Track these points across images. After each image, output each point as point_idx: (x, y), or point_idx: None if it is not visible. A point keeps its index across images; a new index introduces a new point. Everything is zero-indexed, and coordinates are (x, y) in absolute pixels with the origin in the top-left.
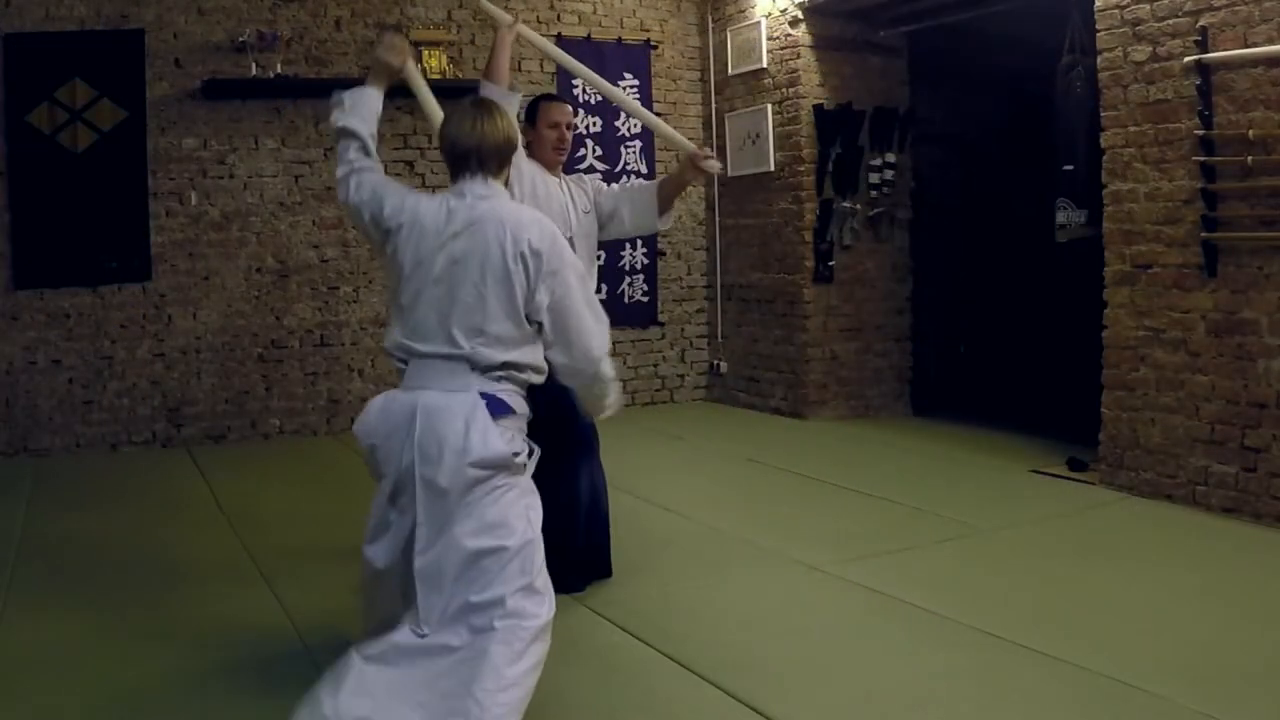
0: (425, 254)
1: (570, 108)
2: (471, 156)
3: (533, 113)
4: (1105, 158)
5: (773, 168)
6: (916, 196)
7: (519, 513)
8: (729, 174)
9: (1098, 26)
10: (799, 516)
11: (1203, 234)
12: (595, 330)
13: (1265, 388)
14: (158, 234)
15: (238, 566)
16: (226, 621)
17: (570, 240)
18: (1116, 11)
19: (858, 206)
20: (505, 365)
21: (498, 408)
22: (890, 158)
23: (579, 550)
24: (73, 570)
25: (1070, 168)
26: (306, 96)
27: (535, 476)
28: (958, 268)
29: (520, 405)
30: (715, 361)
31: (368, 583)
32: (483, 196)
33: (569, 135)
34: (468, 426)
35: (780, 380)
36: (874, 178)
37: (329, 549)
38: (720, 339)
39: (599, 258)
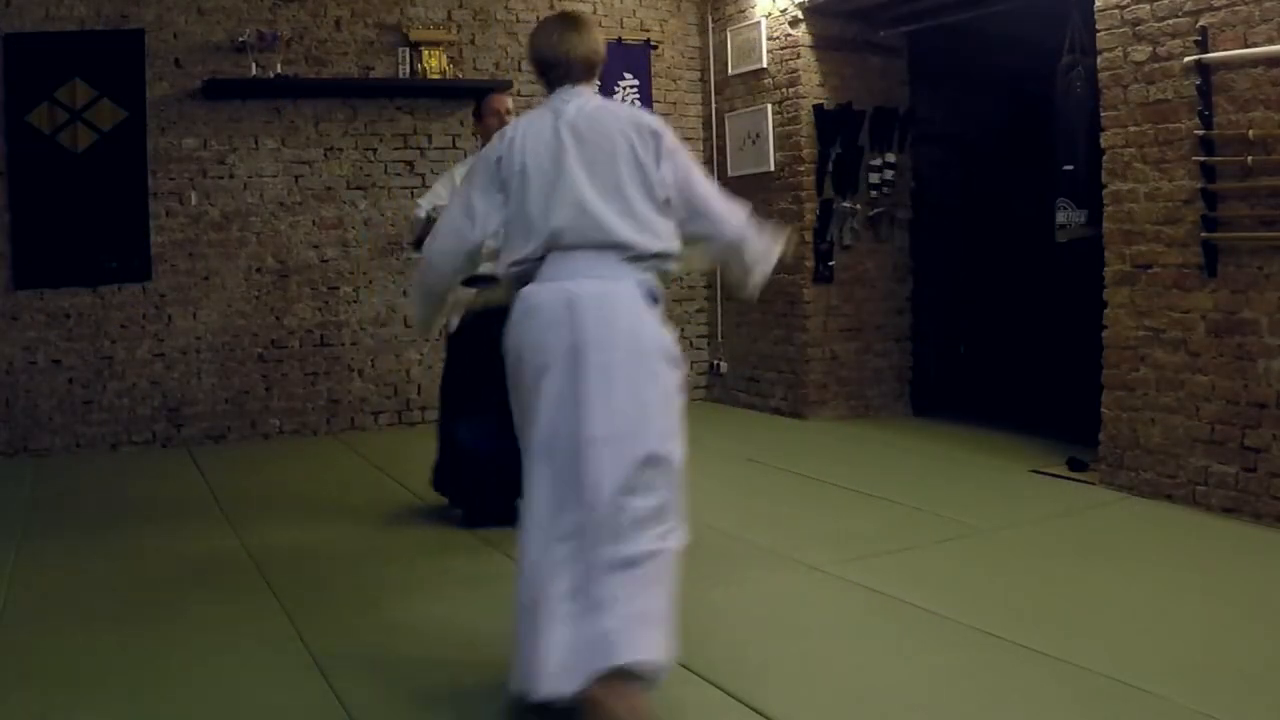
0: (546, 161)
1: (508, 99)
2: (560, 67)
3: (480, 108)
4: (1105, 158)
5: (773, 168)
6: (916, 196)
7: (678, 424)
8: (729, 174)
9: (1098, 26)
10: (799, 516)
11: (1203, 234)
12: (723, 197)
13: (1265, 388)
14: (158, 234)
15: (238, 567)
16: (226, 622)
17: None
18: (1116, 11)
19: (858, 206)
20: (656, 255)
21: (652, 298)
22: (890, 158)
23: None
24: (72, 571)
25: (1070, 168)
26: (306, 96)
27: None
28: (958, 268)
29: (661, 297)
30: (715, 361)
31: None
32: (582, 96)
33: (509, 119)
34: (638, 314)
35: (780, 380)
36: (874, 178)
37: (329, 549)
38: (720, 339)
39: None
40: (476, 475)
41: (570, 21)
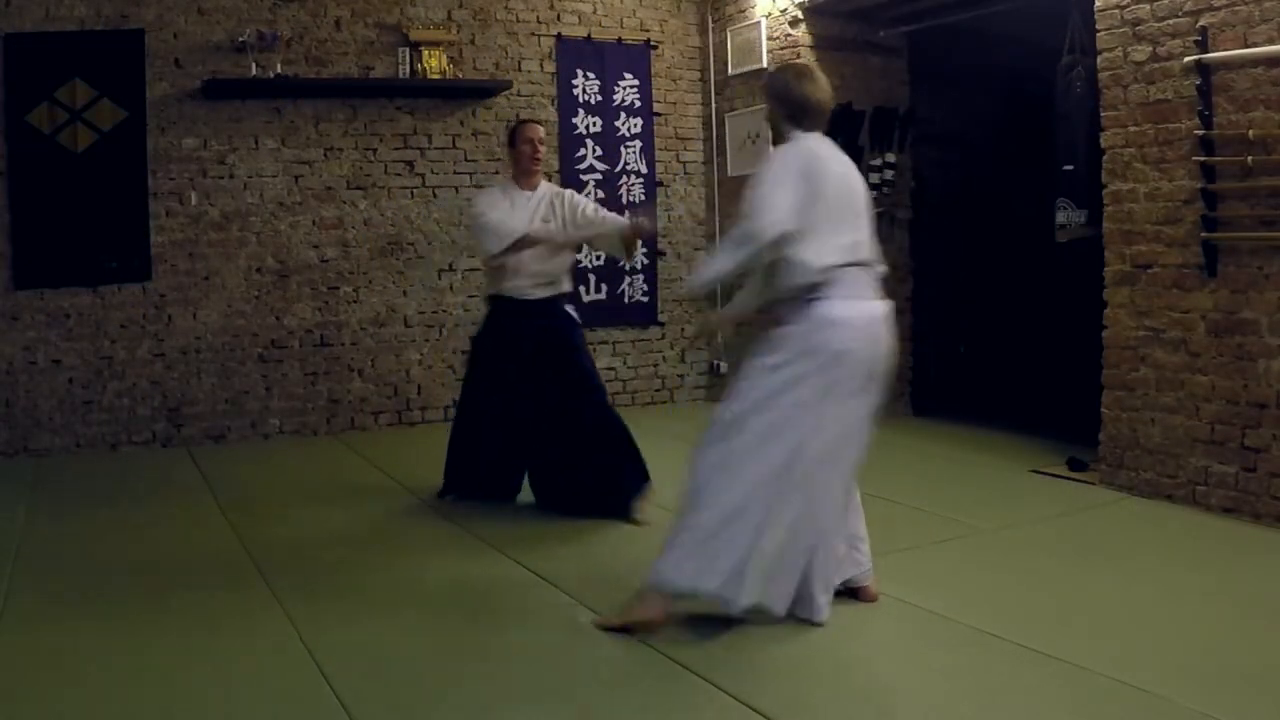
0: (839, 188)
1: (540, 128)
2: (821, 115)
3: (513, 135)
4: (1105, 158)
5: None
6: (916, 196)
7: None
8: (729, 174)
9: (1098, 26)
10: None
11: (1203, 234)
12: None
13: (1265, 388)
14: (158, 234)
15: (238, 567)
16: (227, 621)
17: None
18: (1116, 11)
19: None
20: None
21: None
22: (890, 158)
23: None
24: (72, 571)
25: (1070, 168)
26: (306, 96)
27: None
28: (958, 268)
29: None
30: (715, 361)
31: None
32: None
33: (542, 151)
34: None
35: None
36: (874, 178)
37: (329, 548)
38: (720, 339)
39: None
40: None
41: (815, 73)
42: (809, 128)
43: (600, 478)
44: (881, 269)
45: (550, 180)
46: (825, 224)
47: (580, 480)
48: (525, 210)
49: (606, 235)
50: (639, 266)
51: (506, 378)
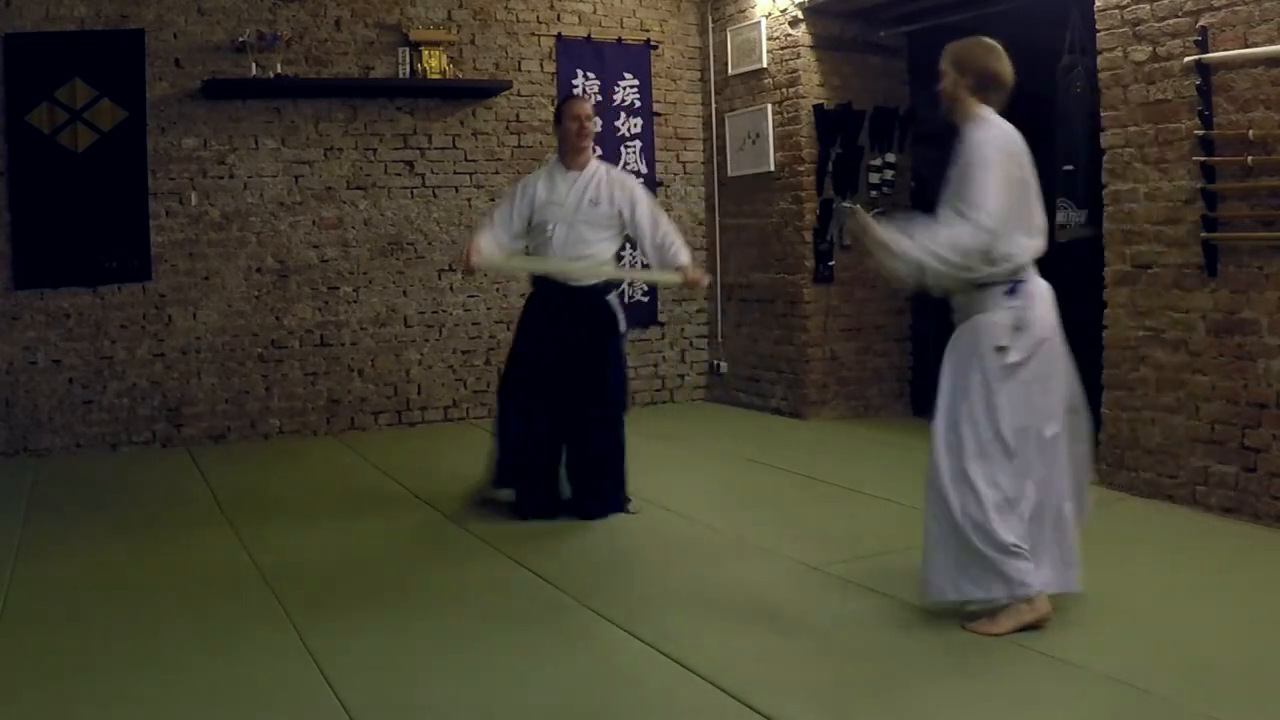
0: (1029, 167)
1: (589, 105)
2: (1005, 92)
3: (559, 112)
4: (1105, 158)
5: (773, 168)
6: (916, 196)
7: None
8: (729, 173)
9: (1098, 26)
10: (799, 516)
11: (1203, 234)
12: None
13: (1265, 388)
14: (158, 234)
15: (238, 567)
16: (226, 620)
17: (555, 225)
18: (1116, 11)
19: (858, 206)
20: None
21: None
22: (890, 158)
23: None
24: (72, 571)
25: (1070, 168)
26: (306, 96)
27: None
28: None
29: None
30: (715, 361)
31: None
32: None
33: (589, 126)
34: None
35: (780, 380)
36: (874, 178)
37: (329, 549)
38: (720, 339)
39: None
40: (532, 467)
41: (1002, 51)
42: (992, 103)
43: (580, 484)
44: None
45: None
46: (1026, 207)
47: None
48: (569, 191)
49: (657, 269)
50: (639, 267)
51: (543, 368)
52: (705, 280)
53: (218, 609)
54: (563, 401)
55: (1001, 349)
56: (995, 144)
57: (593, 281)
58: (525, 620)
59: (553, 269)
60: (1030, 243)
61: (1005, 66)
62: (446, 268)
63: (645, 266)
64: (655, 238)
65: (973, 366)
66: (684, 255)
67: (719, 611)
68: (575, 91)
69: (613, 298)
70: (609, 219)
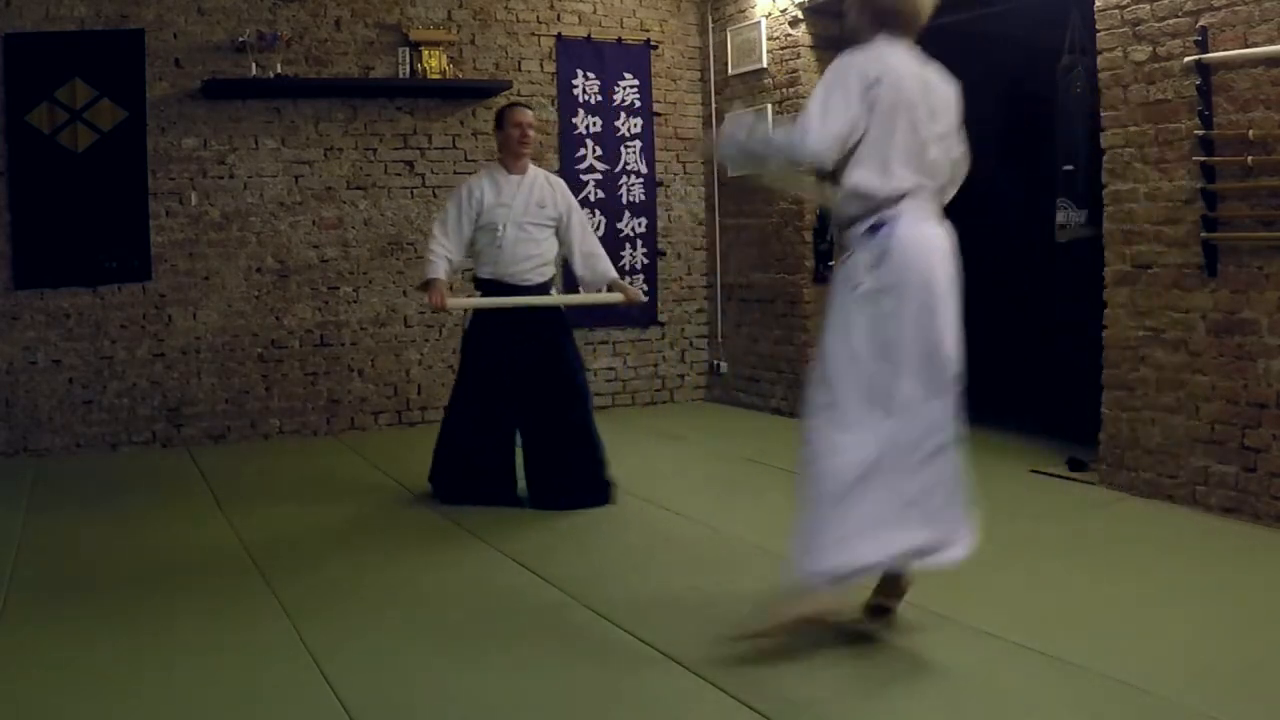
0: (917, 98)
1: (530, 111)
2: (914, 22)
3: (500, 118)
4: (1105, 158)
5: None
6: None
7: None
8: (730, 174)
9: (1098, 26)
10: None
11: (1203, 234)
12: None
13: (1265, 388)
14: (158, 234)
15: (238, 567)
16: (226, 620)
17: (505, 226)
18: (1116, 11)
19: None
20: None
21: None
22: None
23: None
24: (72, 571)
25: (1070, 168)
26: (306, 96)
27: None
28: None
29: None
30: (715, 361)
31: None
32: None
33: (530, 135)
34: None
35: (780, 380)
36: None
37: (329, 548)
38: (720, 339)
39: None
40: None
41: None
42: (896, 35)
43: (560, 476)
44: (946, 189)
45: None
46: (890, 140)
47: (544, 476)
48: (515, 193)
49: (589, 285)
50: (639, 266)
51: (500, 371)
52: (642, 297)
53: (218, 608)
54: (530, 404)
55: (856, 286)
56: (855, 67)
57: (540, 284)
58: (525, 619)
59: (512, 303)
60: (888, 182)
61: None
62: None
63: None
64: (584, 246)
65: (834, 308)
66: (610, 269)
67: (719, 611)
68: (568, 93)
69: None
70: (552, 220)
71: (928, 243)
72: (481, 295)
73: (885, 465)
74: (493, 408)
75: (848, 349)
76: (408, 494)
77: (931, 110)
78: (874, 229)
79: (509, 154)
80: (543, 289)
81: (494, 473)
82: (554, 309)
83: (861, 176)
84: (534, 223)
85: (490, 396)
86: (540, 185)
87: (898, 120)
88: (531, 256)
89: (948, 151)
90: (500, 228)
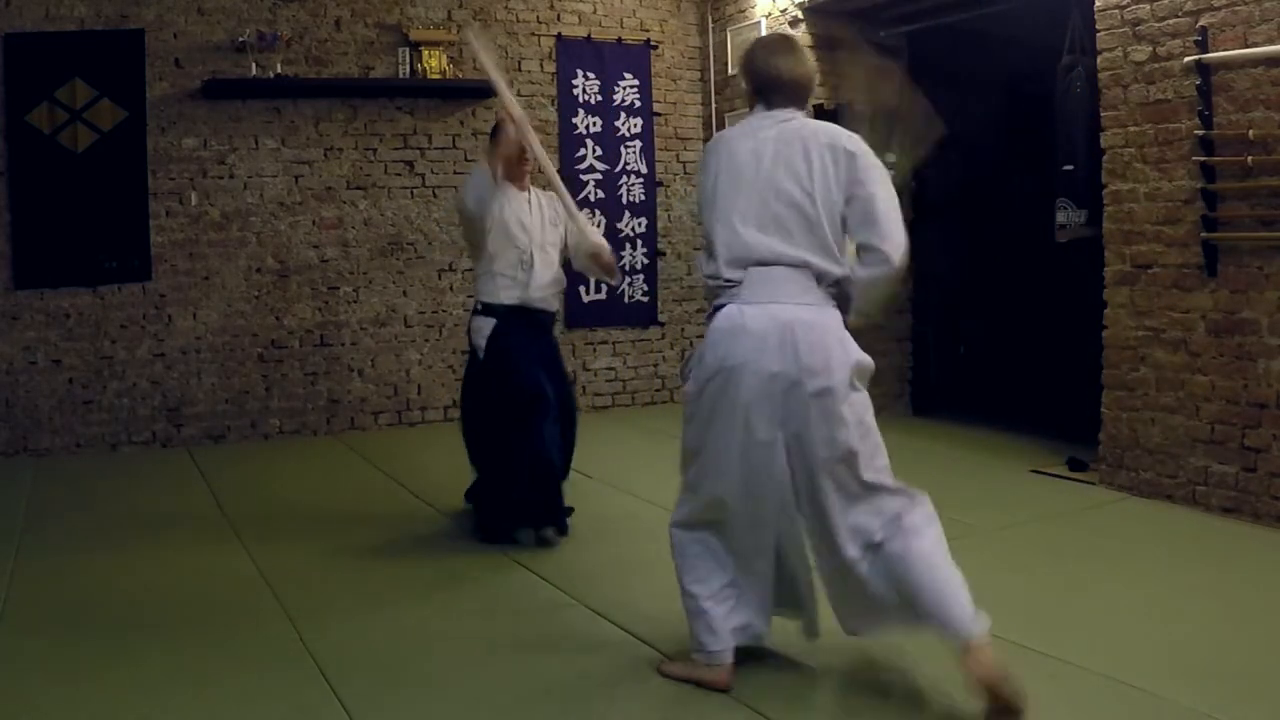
0: (749, 172)
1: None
2: (794, 90)
3: (495, 132)
4: (1105, 158)
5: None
6: (916, 196)
7: None
8: None
9: (1098, 26)
10: None
11: (1203, 234)
12: (901, 225)
13: (1265, 388)
14: (158, 234)
15: (238, 567)
16: (226, 621)
17: (532, 253)
18: (1116, 11)
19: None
20: (837, 281)
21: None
22: (890, 158)
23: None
24: (72, 572)
25: (1070, 168)
26: (306, 96)
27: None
28: (958, 268)
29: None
30: None
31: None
32: (790, 118)
33: (529, 158)
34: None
35: None
36: None
37: (329, 549)
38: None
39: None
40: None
41: (798, 49)
42: (779, 104)
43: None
44: (833, 268)
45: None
46: (731, 218)
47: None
48: (530, 212)
49: (576, 234)
50: (639, 266)
51: (532, 398)
52: (608, 258)
53: (218, 609)
54: (558, 411)
55: (686, 379)
56: (705, 157)
57: (554, 311)
58: (525, 619)
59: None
60: (717, 265)
61: (782, 60)
62: (446, 267)
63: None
64: (573, 239)
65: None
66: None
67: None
68: (568, 94)
69: None
70: (560, 238)
71: (754, 332)
72: (497, 323)
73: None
74: (537, 428)
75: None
76: (408, 494)
77: (798, 183)
78: (711, 314)
79: (509, 172)
80: (551, 307)
81: (543, 502)
82: (552, 320)
83: (701, 259)
84: (551, 243)
85: (533, 416)
86: (541, 202)
87: (737, 198)
88: (551, 281)
89: (824, 223)
90: (526, 255)
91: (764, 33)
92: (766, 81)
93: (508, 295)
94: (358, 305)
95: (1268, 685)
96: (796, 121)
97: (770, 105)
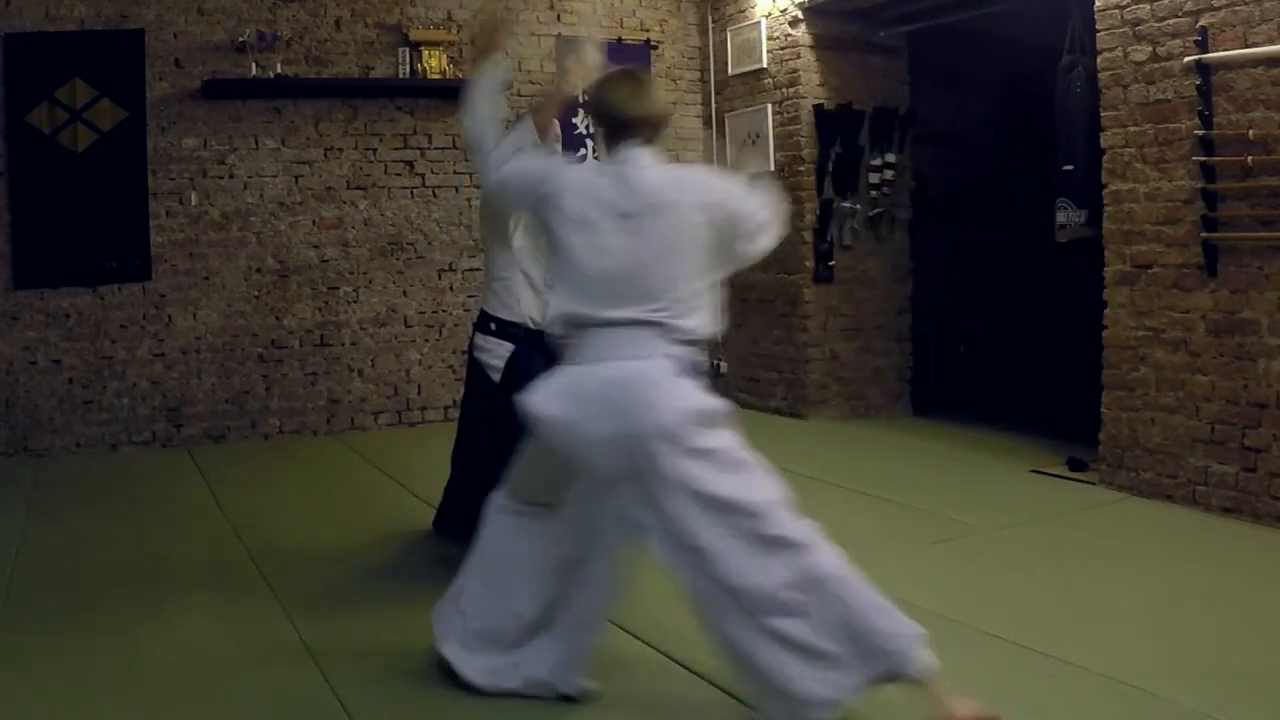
0: (595, 218)
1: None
2: (640, 127)
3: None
4: (1105, 158)
5: (773, 168)
6: (916, 196)
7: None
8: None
9: (1098, 26)
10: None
11: (1203, 234)
12: (759, 205)
13: (1265, 388)
14: (158, 234)
15: (238, 567)
16: (227, 621)
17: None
18: (1116, 11)
19: (858, 206)
20: (691, 334)
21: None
22: (890, 158)
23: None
24: (72, 571)
25: (1070, 168)
26: (306, 96)
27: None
28: (958, 268)
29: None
30: (715, 361)
31: None
32: (649, 166)
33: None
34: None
35: (780, 380)
36: (874, 178)
37: (330, 550)
38: (720, 339)
39: None
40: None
41: (642, 83)
42: (628, 142)
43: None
44: (690, 326)
45: None
46: (571, 270)
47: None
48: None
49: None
50: None
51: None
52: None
53: (218, 609)
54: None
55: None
56: (551, 164)
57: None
58: None
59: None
60: (562, 314)
61: (618, 95)
62: (446, 267)
63: None
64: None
65: None
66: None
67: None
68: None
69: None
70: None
71: (586, 389)
72: (517, 349)
73: None
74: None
75: None
76: (408, 494)
77: (638, 228)
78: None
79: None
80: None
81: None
82: None
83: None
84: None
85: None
86: None
87: (572, 241)
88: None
89: (671, 274)
90: (527, 270)
91: (764, 33)
92: (618, 117)
93: (532, 311)
94: (358, 305)
95: (1268, 685)
96: (656, 172)
97: (627, 142)
